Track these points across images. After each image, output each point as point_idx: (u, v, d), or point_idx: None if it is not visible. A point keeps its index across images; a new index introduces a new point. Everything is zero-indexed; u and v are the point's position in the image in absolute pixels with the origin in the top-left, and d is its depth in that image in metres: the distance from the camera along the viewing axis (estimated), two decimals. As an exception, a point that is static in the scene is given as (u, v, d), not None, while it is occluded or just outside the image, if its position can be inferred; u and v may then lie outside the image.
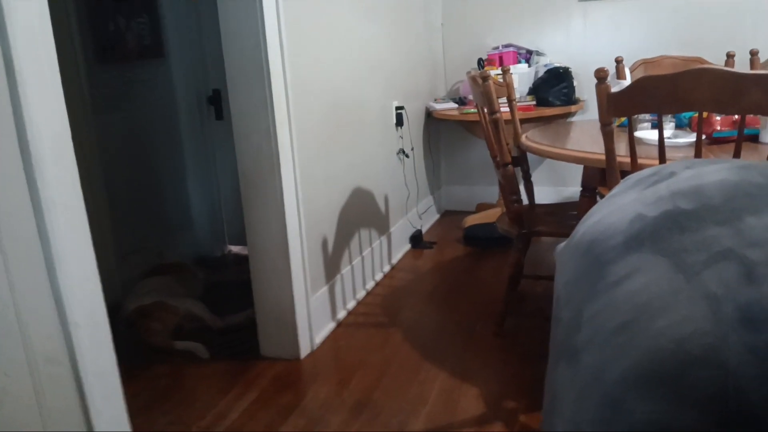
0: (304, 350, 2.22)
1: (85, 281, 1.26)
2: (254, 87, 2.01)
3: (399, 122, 3.15)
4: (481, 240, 3.33)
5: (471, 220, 3.45)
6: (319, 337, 2.32)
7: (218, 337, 2.39)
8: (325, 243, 2.41)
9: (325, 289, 2.40)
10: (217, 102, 3.23)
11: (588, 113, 3.56)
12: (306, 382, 2.05)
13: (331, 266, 2.47)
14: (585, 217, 0.81)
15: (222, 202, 3.44)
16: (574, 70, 3.45)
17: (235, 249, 3.47)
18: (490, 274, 2.90)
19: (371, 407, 1.87)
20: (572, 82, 3.39)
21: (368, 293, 2.76)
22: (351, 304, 2.62)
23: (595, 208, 0.82)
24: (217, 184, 3.41)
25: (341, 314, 2.52)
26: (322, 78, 2.36)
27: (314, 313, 2.28)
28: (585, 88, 3.54)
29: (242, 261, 2.83)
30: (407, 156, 3.30)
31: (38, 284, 1.17)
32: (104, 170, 2.70)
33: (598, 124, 1.66)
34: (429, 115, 3.64)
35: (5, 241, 1.10)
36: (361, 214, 2.76)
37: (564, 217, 2.25)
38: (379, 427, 1.77)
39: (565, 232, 2.01)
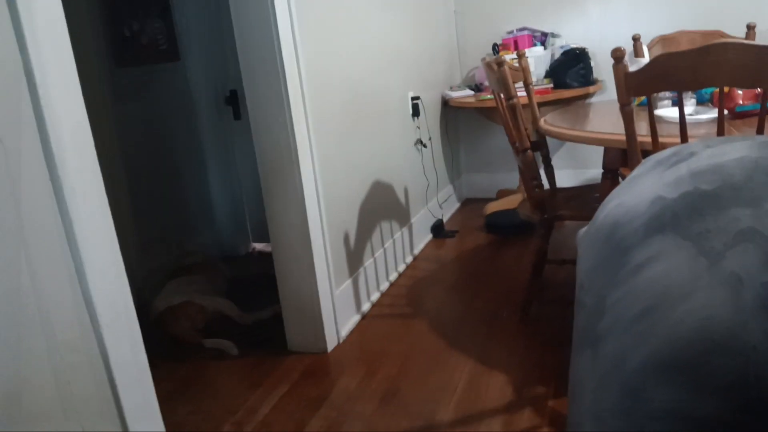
0: (331, 343, 2.24)
1: (109, 269, 1.28)
2: (270, 84, 2.02)
3: (415, 112, 3.15)
4: (503, 227, 3.32)
5: (492, 208, 3.43)
6: (345, 330, 2.34)
7: (246, 333, 2.42)
8: (347, 236, 2.42)
9: (348, 282, 2.41)
10: (234, 102, 3.25)
11: (606, 94, 3.51)
12: (334, 374, 2.07)
13: (354, 259, 2.48)
14: (606, 200, 0.80)
15: (244, 200, 3.47)
16: (591, 51, 3.40)
17: (259, 246, 3.50)
18: (513, 261, 2.88)
19: (399, 397, 1.88)
20: (589, 63, 3.34)
21: (392, 284, 2.77)
22: (375, 296, 2.63)
23: (615, 191, 0.81)
24: (238, 183, 3.44)
25: (366, 306, 2.53)
26: (338, 70, 2.36)
27: (339, 306, 2.30)
28: (602, 69, 3.48)
29: (266, 258, 2.86)
30: (425, 146, 3.29)
31: (60, 273, 1.19)
32: (126, 167, 2.74)
33: (617, 105, 1.64)
34: (445, 103, 3.63)
35: (27, 230, 1.12)
36: (382, 205, 2.76)
37: (586, 200, 2.23)
38: (408, 416, 1.78)
39: (588, 215, 1.99)
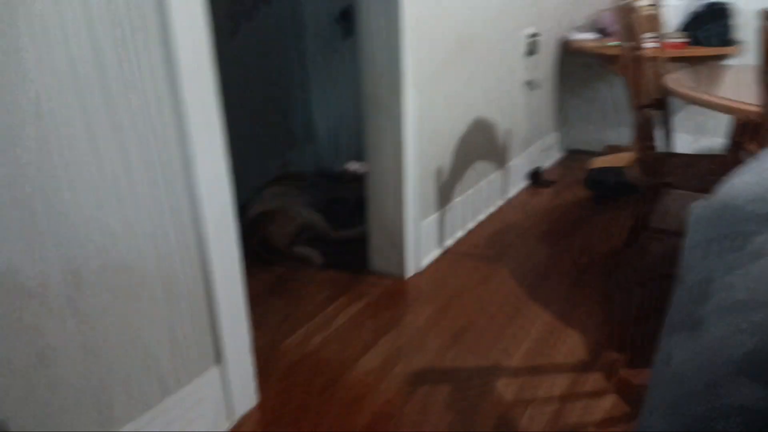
0: (411, 271, 2.29)
1: (217, 178, 1.37)
2: (385, 6, 1.97)
3: (531, 51, 3.01)
4: (605, 185, 3.18)
5: (597, 163, 3.29)
6: (426, 261, 2.37)
7: (331, 248, 2.50)
8: (440, 170, 2.41)
9: (436, 214, 2.42)
10: (346, 20, 3.22)
11: (747, 57, 3.20)
12: (409, 301, 2.12)
13: (444, 193, 2.47)
14: (729, 178, 0.75)
15: (344, 119, 3.50)
16: (737, 7, 3.08)
17: (353, 166, 3.55)
18: (609, 222, 2.78)
19: (469, 336, 1.91)
20: (733, 21, 3.04)
21: (479, 225, 2.76)
22: (460, 234, 2.63)
23: (742, 170, 0.75)
24: (340, 102, 3.46)
25: (450, 242, 2.54)
26: (457, -1, 2.28)
27: (423, 236, 2.33)
28: (747, 29, 3.16)
29: (359, 178, 2.90)
30: (535, 88, 3.16)
31: (175, 178, 1.28)
32: (237, 80, 2.82)
33: (756, 71, 1.50)
34: (564, 45, 3.44)
35: (151, 139, 1.21)
36: (480, 144, 2.71)
37: (701, 171, 2.09)
38: (474, 356, 1.81)
39: (701, 188, 1.87)
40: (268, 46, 3.03)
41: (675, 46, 3.02)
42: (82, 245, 1.12)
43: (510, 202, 3.03)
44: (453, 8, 2.28)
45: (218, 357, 1.49)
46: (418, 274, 2.31)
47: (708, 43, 3.02)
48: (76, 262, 1.12)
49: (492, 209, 2.91)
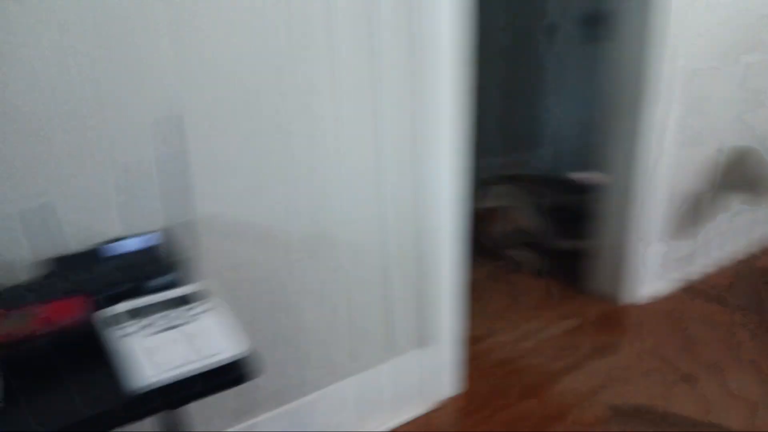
0: (631, 297, 2.13)
1: (449, 171, 1.43)
2: (643, 12, 1.82)
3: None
4: None
5: None
6: (651, 290, 2.19)
7: (547, 256, 2.44)
8: (683, 194, 2.19)
9: (672, 242, 2.22)
10: (592, 24, 3.06)
11: None
12: (626, 329, 1.98)
13: (687, 221, 2.25)
14: None
15: (577, 126, 3.35)
16: None
17: (582, 175, 3.41)
18: None
19: (684, 381, 1.73)
20: None
21: (721, 264, 2.46)
22: (697, 269, 2.37)
23: None
24: (571, 107, 3.32)
25: (683, 275, 2.31)
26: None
27: (652, 263, 2.15)
28: None
29: (587, 188, 2.78)
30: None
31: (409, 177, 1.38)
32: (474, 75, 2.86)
33: None
34: None
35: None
36: (740, 173, 2.40)
37: None
38: (686, 405, 1.63)
39: None
40: (509, 44, 3.03)
41: None
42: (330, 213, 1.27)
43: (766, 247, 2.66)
44: (724, 15, 2.03)
45: (423, 341, 1.55)
46: (640, 303, 2.15)
47: None
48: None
49: (741, 250, 2.57)
